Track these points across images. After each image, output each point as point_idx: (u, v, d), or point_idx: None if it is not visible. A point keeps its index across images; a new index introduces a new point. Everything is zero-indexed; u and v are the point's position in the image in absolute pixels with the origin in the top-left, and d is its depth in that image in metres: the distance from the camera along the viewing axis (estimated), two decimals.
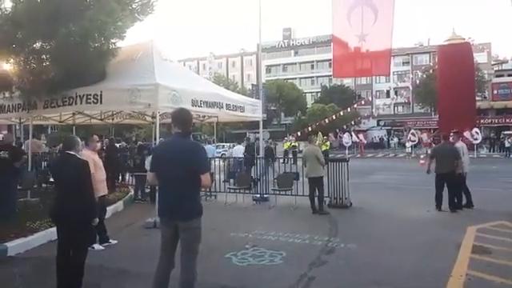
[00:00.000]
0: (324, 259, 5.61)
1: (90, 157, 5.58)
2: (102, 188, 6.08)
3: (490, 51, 54.56)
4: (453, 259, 5.37)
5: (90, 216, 4.35)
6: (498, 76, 52.22)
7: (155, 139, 8.74)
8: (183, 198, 3.56)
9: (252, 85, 49.51)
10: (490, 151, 33.16)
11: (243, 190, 10.50)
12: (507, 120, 43.84)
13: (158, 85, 7.45)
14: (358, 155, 33.41)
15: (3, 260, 5.52)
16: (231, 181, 11.25)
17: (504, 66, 57.54)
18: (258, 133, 13.55)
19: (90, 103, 7.86)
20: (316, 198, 8.96)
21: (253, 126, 23.44)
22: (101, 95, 7.73)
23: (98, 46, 7.44)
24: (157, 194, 8.03)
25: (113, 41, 7.68)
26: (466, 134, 25.94)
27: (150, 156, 10.29)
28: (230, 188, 10.73)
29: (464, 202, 8.94)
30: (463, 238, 6.45)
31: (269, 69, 68.44)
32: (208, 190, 10.23)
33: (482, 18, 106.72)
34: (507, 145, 29.99)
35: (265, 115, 14.93)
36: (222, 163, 14.15)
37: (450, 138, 9.40)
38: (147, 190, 10.70)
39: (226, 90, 13.84)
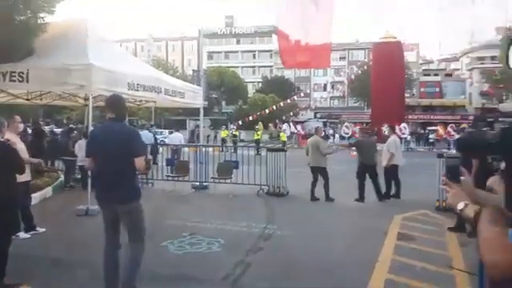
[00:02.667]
0: (261, 246, 5.72)
1: (14, 140, 5.13)
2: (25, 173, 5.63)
3: (419, 51, 58.43)
4: (380, 246, 5.72)
5: (8, 202, 4.04)
6: (425, 75, 56.08)
7: (88, 123, 8.30)
8: (120, 181, 3.66)
9: (193, 70, 48.58)
10: (416, 145, 35.60)
11: (182, 178, 10.34)
12: (432, 116, 47.27)
13: (91, 65, 7.04)
14: (296, 145, 34.29)
15: None
16: (169, 168, 11.00)
17: (431, 66, 62.10)
18: (199, 120, 13.37)
19: (14, 81, 7.24)
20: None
21: (193, 112, 23.06)
22: (27, 73, 7.14)
23: (24, 19, 6.85)
24: (89, 180, 7.70)
25: (41, 15, 7.11)
26: (395, 128, 27.61)
27: (81, 140, 9.83)
28: (168, 175, 10.51)
29: (393, 192, 9.53)
30: (390, 226, 6.90)
31: (210, 55, 67.54)
32: (145, 177, 9.95)
33: (412, 20, 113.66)
34: (431, 139, 32.42)
35: (206, 102, 14.76)
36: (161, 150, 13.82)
37: (385, 132, 10.01)
38: (78, 176, 10.15)
39: (166, 74, 13.46)
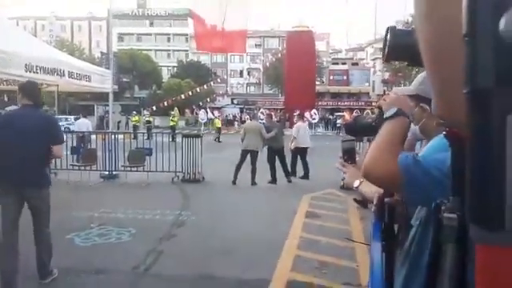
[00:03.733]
0: (174, 233, 5.66)
1: None
2: None
3: (329, 41, 61.59)
4: (290, 224, 6.02)
5: None
6: (334, 64, 59.35)
7: None
8: (35, 169, 3.65)
9: (101, 53, 45.59)
10: (325, 130, 37.73)
11: (89, 167, 9.76)
12: (339, 103, 50.33)
13: None
14: (213, 131, 34.26)
15: None
16: (74, 157, 10.28)
17: (339, 55, 65.92)
18: (108, 105, 12.67)
19: None
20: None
21: (102, 97, 21.74)
22: None
23: None
24: None
25: None
26: (306, 114, 29.01)
27: None
28: (73, 164, 9.83)
29: (302, 174, 10.05)
30: (299, 205, 7.28)
31: (121, 37, 63.91)
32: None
33: (322, 11, 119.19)
34: (338, 124, 34.66)
35: (116, 87, 13.95)
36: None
37: (294, 119, 10.48)
38: None
39: (70, 56, 12.50)
